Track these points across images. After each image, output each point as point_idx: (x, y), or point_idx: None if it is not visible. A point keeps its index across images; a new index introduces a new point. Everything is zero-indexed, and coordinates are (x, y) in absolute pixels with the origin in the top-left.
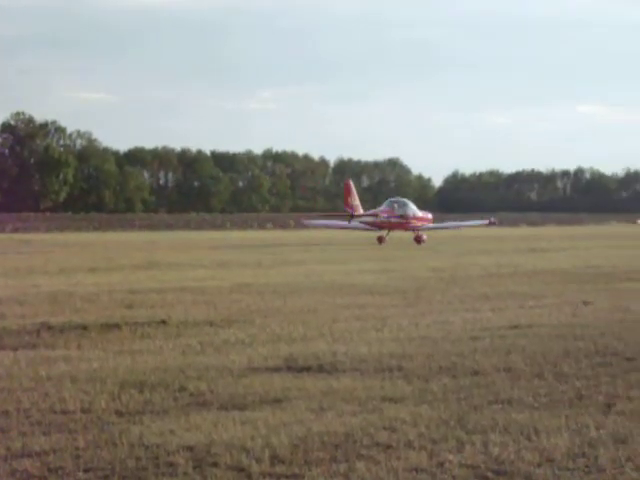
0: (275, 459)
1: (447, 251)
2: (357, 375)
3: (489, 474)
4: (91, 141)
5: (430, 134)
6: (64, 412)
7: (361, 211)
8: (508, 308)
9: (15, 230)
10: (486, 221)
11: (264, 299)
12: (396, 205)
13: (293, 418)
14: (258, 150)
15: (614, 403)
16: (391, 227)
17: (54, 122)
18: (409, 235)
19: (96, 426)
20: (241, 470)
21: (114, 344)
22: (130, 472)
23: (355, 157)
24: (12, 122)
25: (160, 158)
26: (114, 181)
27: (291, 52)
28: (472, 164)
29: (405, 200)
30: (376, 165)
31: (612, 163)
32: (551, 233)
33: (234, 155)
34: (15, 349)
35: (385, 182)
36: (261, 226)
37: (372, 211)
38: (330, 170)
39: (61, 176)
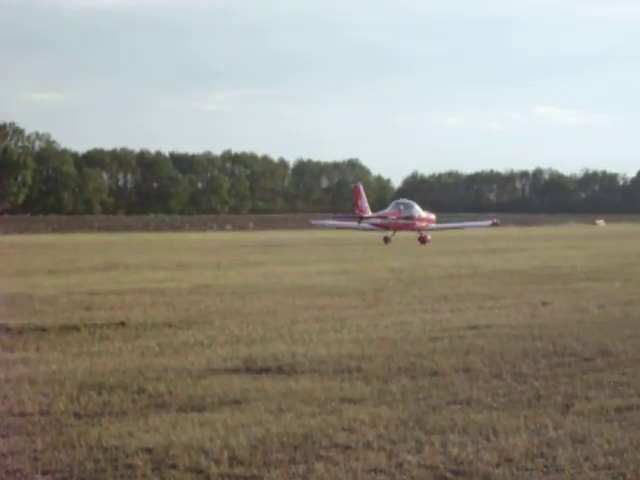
0: (234, 460)
1: (406, 252)
2: (316, 376)
3: (448, 474)
4: (49, 143)
5: (390, 135)
6: (22, 414)
7: (370, 213)
8: (467, 309)
9: None
10: (489, 222)
11: (223, 300)
12: (402, 207)
13: (252, 419)
14: (217, 151)
15: (572, 403)
16: (398, 228)
17: (12, 124)
18: (414, 235)
19: (55, 428)
20: (200, 472)
21: (73, 346)
22: (89, 474)
23: (315, 158)
24: None
25: (119, 159)
26: (73, 183)
27: (250, 53)
28: (431, 165)
29: (411, 202)
30: (336, 166)
31: (570, 164)
32: (510, 234)
33: (193, 156)
34: None
35: (344, 183)
36: (220, 227)
37: (380, 213)
38: (289, 171)
39: (20, 178)
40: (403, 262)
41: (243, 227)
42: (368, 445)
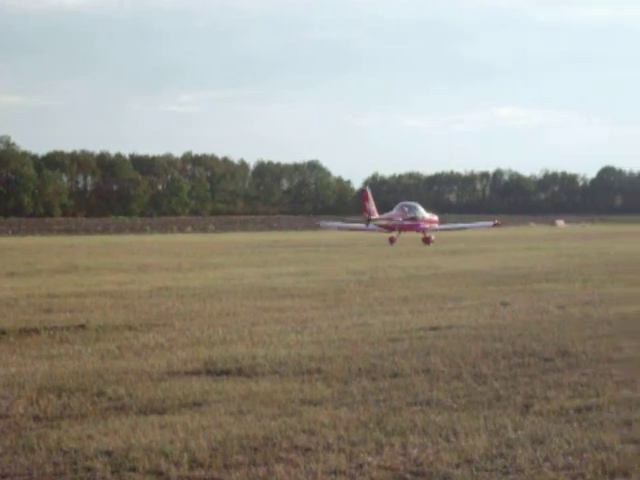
0: (194, 463)
1: (367, 254)
2: (276, 378)
3: (408, 476)
4: (9, 145)
5: (350, 136)
6: None
7: (377, 215)
8: (427, 310)
9: None
10: (491, 223)
11: (184, 303)
12: (407, 208)
13: (212, 422)
14: (177, 153)
15: (532, 404)
16: (404, 229)
17: None
18: (418, 235)
19: (14, 431)
20: (160, 474)
21: (32, 349)
22: (48, 477)
23: (275, 160)
24: None
25: (79, 162)
26: (33, 185)
27: (212, 55)
28: (392, 166)
29: (415, 204)
30: (296, 167)
31: (530, 165)
32: (470, 235)
33: (153, 158)
34: None
35: (305, 184)
36: (181, 230)
37: (386, 215)
38: (250, 173)
39: None
40: (364, 264)
41: (204, 229)
42: (328, 447)
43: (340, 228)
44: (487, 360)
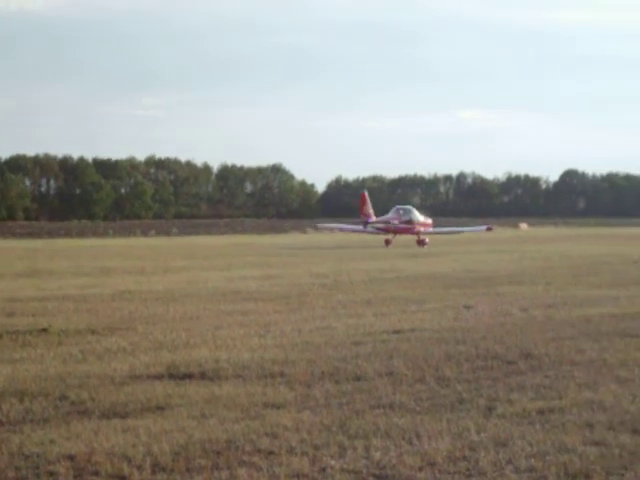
0: (156, 467)
1: (330, 257)
2: (239, 382)
3: (371, 479)
4: None
5: (313, 140)
6: None
7: (374, 218)
8: (390, 313)
9: None
10: (484, 227)
11: (147, 306)
12: (402, 212)
13: (175, 426)
14: (141, 157)
15: (495, 406)
16: (400, 232)
17: None
18: (413, 238)
19: None
20: (122, 478)
21: None
22: None
23: (238, 163)
24: None
25: (41, 165)
26: None
27: (175, 58)
28: (355, 169)
29: (409, 207)
30: (259, 171)
31: (493, 168)
32: (433, 238)
33: (116, 162)
34: None
35: (268, 188)
36: (144, 233)
37: (382, 218)
38: (213, 176)
39: None
40: (327, 267)
41: (167, 232)
42: (291, 450)
43: (341, 230)
44: (450, 363)
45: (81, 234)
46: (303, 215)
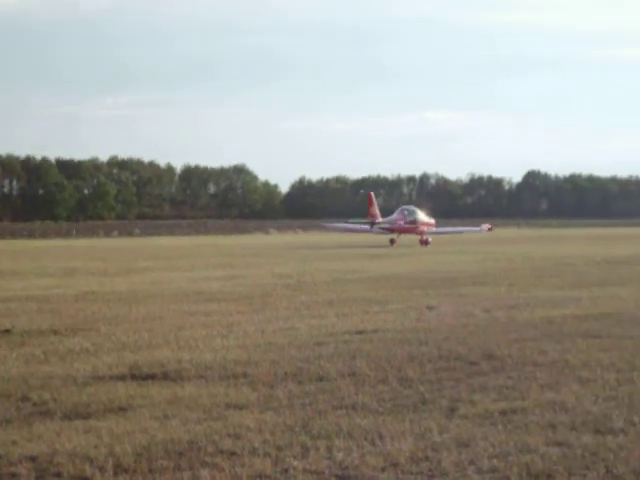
0: (119, 468)
1: (293, 257)
2: (202, 382)
3: (333, 479)
4: None
5: (277, 140)
6: None
7: (380, 219)
8: (353, 314)
9: None
10: (486, 227)
11: (110, 307)
12: (406, 212)
13: (137, 427)
14: (103, 157)
15: (457, 407)
16: (404, 231)
17: None
18: (416, 237)
19: None
20: None
21: None
22: None
23: (202, 164)
24: None
25: (3, 166)
26: None
27: (134, 59)
28: (319, 170)
29: (413, 208)
30: (223, 172)
31: (457, 169)
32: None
33: (79, 162)
34: None
35: (232, 188)
36: (107, 234)
37: (388, 218)
38: (176, 177)
39: None
40: (290, 267)
41: (130, 233)
42: (254, 451)
43: (349, 230)
44: (413, 364)
45: (44, 235)
46: (266, 216)
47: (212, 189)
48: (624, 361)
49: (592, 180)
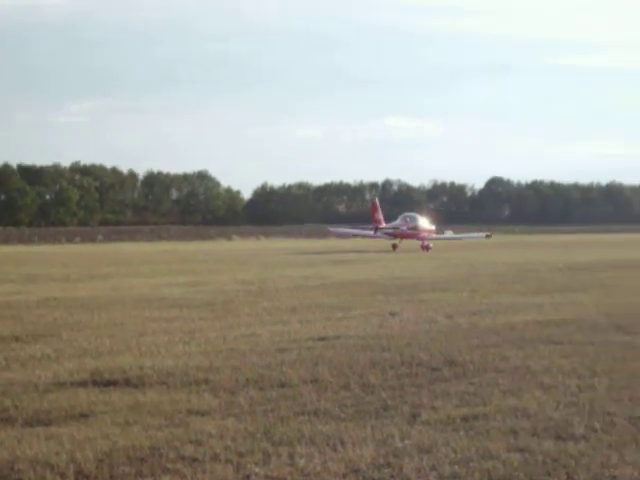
0: (80, 474)
1: (255, 264)
2: (163, 389)
3: None
4: None
5: (239, 147)
6: None
7: (384, 224)
8: (316, 320)
9: None
10: (484, 234)
11: (72, 313)
12: (408, 218)
13: (98, 433)
14: (66, 163)
15: (419, 413)
16: (407, 237)
17: None
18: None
19: None
20: None
21: None
22: None
23: (164, 170)
24: None
25: None
26: None
27: (103, 64)
28: (281, 176)
29: (415, 214)
30: (185, 178)
31: (419, 175)
32: (358, 245)
33: (41, 168)
34: None
35: (194, 195)
36: (69, 240)
37: (391, 224)
38: (139, 183)
39: None
40: (252, 274)
41: (92, 239)
42: (215, 457)
43: (354, 235)
44: (375, 370)
45: (6, 241)
46: (229, 222)
47: (175, 195)
48: (585, 367)
49: (554, 187)
